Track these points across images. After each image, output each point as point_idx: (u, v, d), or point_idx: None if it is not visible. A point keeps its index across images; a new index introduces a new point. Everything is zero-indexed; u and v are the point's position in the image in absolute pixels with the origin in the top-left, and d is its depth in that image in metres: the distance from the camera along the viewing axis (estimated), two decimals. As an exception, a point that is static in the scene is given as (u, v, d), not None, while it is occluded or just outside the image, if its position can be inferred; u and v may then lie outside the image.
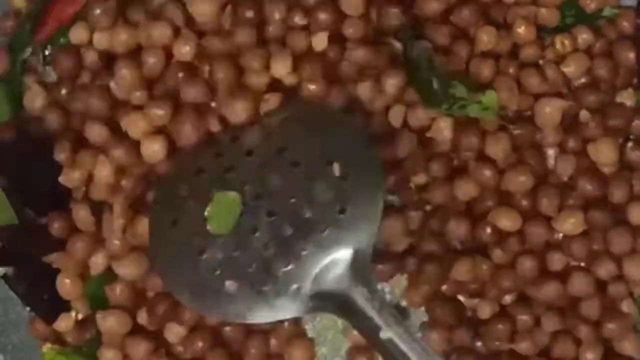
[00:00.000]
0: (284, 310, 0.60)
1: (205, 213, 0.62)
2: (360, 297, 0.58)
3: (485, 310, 0.66)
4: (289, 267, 0.60)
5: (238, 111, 0.64)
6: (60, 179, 0.66)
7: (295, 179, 0.61)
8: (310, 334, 0.69)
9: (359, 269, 0.59)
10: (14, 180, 0.67)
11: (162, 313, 0.66)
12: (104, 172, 0.65)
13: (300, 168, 0.61)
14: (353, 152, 0.61)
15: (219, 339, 0.67)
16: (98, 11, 0.67)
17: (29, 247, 0.68)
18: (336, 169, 0.61)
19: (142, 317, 0.68)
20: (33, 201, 0.68)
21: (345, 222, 0.60)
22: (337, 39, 0.66)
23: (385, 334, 0.58)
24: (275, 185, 0.61)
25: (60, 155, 0.67)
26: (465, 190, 0.66)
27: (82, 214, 0.66)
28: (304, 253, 0.60)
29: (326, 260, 0.59)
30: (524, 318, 0.66)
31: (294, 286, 0.59)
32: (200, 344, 0.66)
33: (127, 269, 0.67)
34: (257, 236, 0.60)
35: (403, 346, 0.57)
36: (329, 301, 0.59)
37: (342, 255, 0.59)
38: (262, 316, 0.60)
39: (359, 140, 0.62)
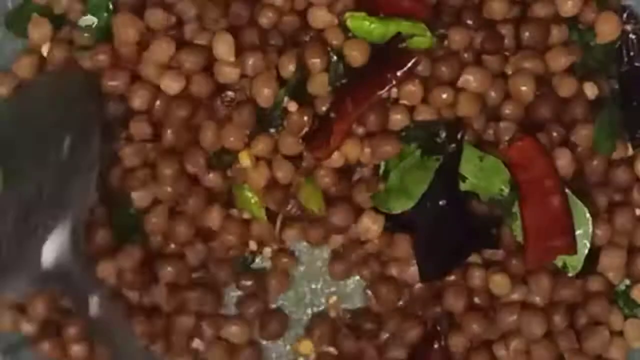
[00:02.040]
0: (16, 287, 0.62)
1: None
2: (76, 270, 0.61)
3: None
4: (24, 247, 0.61)
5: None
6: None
7: (38, 152, 0.63)
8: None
9: (76, 244, 0.61)
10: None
11: None
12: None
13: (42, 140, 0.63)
14: (81, 129, 0.63)
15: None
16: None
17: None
18: (66, 146, 0.63)
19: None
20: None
21: (67, 194, 0.62)
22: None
23: (94, 303, 0.61)
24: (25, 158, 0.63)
25: None
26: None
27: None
28: (36, 232, 0.61)
29: (53, 236, 0.61)
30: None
31: (27, 264, 0.61)
32: None
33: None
34: (8, 215, 0.62)
35: (108, 317, 0.61)
36: (54, 277, 0.61)
37: (64, 233, 0.61)
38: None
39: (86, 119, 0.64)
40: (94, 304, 0.61)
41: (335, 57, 0.65)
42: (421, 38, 0.65)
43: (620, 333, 0.68)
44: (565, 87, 0.67)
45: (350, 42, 0.65)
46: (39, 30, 0.68)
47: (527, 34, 0.66)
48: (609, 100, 0.68)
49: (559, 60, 0.67)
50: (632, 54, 0.68)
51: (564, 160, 0.66)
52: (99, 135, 0.64)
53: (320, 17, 0.66)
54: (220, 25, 0.65)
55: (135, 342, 0.64)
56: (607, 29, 0.68)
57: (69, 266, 0.61)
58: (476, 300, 0.67)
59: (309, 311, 0.70)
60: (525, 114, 0.67)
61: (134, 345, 0.63)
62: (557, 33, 0.67)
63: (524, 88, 0.66)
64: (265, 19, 0.66)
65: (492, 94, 0.66)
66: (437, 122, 0.66)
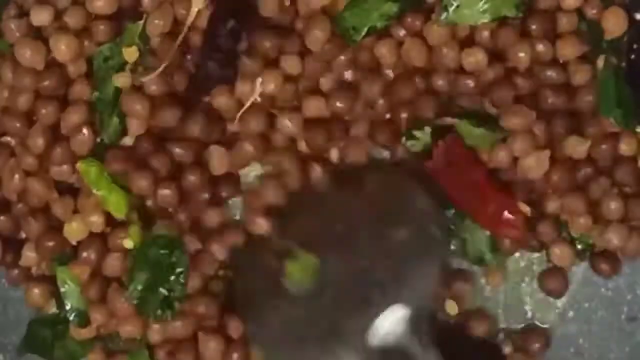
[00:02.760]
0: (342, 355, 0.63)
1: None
2: (416, 350, 0.61)
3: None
4: (353, 323, 0.62)
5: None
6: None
7: (367, 243, 0.64)
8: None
9: (416, 325, 0.62)
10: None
11: None
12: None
13: (372, 233, 0.65)
14: (419, 218, 0.65)
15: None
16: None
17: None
18: (402, 234, 0.64)
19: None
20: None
21: (405, 281, 0.63)
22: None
23: None
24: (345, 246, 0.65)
25: None
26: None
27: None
28: (367, 309, 0.62)
29: (386, 314, 0.62)
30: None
31: (357, 340, 0.62)
32: None
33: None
34: (329, 295, 0.63)
35: None
36: (390, 354, 0.62)
37: (402, 310, 0.62)
38: None
39: (424, 208, 0.66)
40: None
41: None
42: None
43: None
44: (579, 75, 0.68)
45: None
46: None
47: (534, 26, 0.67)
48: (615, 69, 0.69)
49: (570, 49, 0.67)
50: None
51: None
52: (439, 232, 0.66)
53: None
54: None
55: None
56: (614, 24, 0.68)
57: (406, 346, 0.61)
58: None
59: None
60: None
61: None
62: (566, 22, 0.68)
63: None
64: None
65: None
66: None
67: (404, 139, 0.68)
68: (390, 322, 0.62)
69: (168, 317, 0.68)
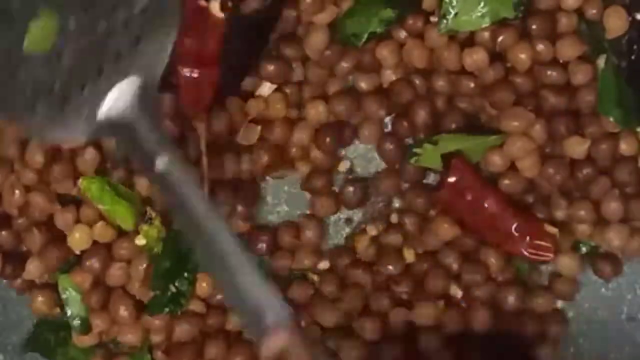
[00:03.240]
0: (76, 131, 0.60)
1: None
2: (142, 124, 0.59)
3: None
4: (85, 92, 0.60)
5: None
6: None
7: (109, 7, 0.61)
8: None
9: (146, 99, 0.60)
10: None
11: None
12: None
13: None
14: None
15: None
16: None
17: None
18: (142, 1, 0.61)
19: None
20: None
21: (139, 52, 0.61)
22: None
23: (160, 161, 0.58)
24: (86, 14, 0.61)
25: None
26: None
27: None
28: (99, 79, 0.60)
29: (117, 86, 0.60)
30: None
31: (86, 110, 0.60)
32: None
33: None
34: (64, 59, 0.60)
35: (177, 176, 0.57)
36: (117, 127, 0.60)
37: (133, 82, 0.60)
38: (56, 134, 0.61)
39: None
40: (163, 161, 0.57)
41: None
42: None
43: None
44: (580, 75, 0.67)
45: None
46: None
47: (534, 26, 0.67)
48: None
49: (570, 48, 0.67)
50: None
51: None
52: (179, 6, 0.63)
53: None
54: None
55: (209, 206, 0.59)
56: (615, 24, 0.68)
57: (133, 120, 0.59)
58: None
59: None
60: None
61: (206, 208, 0.58)
62: (566, 22, 0.67)
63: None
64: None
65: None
66: None
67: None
68: (120, 95, 0.60)
69: (178, 311, 0.68)
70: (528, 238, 0.68)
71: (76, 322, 0.70)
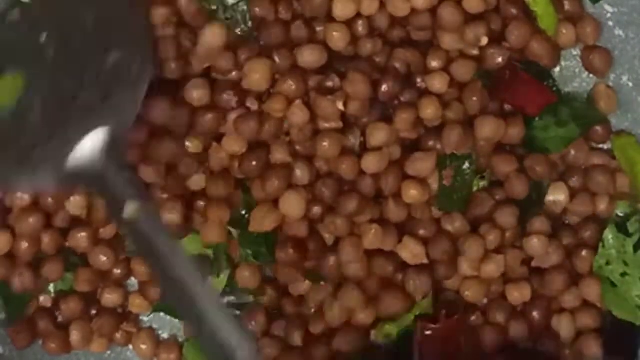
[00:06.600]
0: (44, 179, 0.62)
1: None
2: (110, 173, 0.61)
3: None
4: (53, 142, 0.62)
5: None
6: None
7: (73, 63, 0.63)
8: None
9: (115, 148, 0.61)
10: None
11: None
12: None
13: (79, 52, 0.63)
14: (129, 41, 0.63)
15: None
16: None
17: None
18: (112, 57, 0.63)
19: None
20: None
21: (109, 105, 0.62)
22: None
23: (129, 208, 0.60)
24: (54, 65, 0.63)
25: None
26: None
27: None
28: (67, 131, 0.62)
29: (85, 139, 0.61)
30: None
31: (54, 159, 0.62)
32: None
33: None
34: (30, 114, 0.63)
35: (146, 223, 0.60)
36: (85, 176, 0.61)
37: (102, 133, 0.61)
38: (23, 182, 0.64)
39: (136, 29, 0.64)
40: (131, 208, 0.60)
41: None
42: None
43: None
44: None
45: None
46: None
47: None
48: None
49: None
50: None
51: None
52: (150, 50, 0.64)
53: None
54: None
55: (180, 250, 0.61)
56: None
57: (102, 168, 0.61)
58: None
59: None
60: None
61: (175, 254, 0.60)
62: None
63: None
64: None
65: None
66: None
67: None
68: (89, 144, 0.61)
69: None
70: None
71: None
